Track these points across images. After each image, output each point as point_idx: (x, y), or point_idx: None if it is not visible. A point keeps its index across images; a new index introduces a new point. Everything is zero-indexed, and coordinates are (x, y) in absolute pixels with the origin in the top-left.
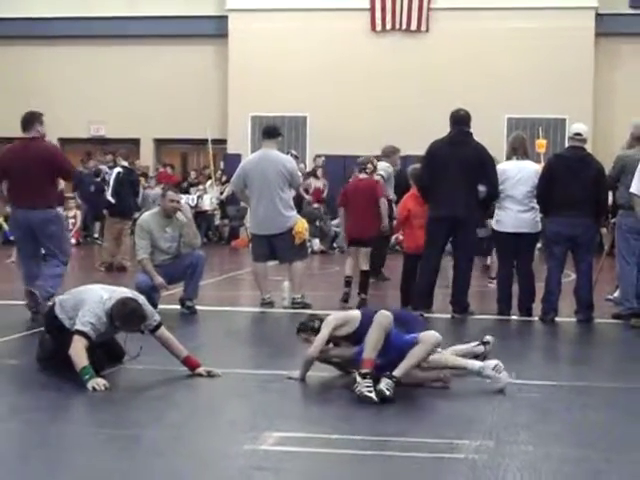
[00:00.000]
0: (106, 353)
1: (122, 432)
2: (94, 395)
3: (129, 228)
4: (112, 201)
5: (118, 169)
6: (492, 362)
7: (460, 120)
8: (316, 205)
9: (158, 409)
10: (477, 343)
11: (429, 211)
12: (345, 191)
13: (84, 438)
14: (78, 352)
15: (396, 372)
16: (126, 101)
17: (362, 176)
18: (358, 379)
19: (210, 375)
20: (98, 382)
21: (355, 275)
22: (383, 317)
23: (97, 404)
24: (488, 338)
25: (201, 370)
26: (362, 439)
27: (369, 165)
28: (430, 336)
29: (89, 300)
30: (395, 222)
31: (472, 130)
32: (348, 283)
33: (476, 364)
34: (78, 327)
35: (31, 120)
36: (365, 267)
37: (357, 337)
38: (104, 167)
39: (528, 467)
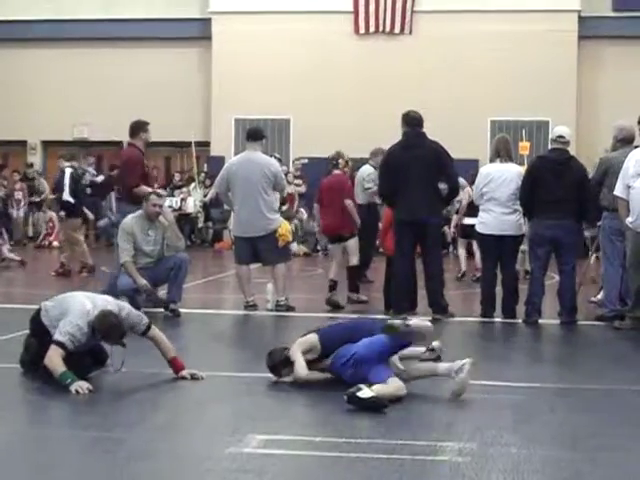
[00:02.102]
0: (91, 357)
1: (105, 435)
2: (77, 398)
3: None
4: (72, 201)
5: (70, 170)
6: (459, 362)
7: (412, 122)
8: (284, 207)
9: (141, 412)
10: (423, 351)
11: (394, 215)
12: (320, 189)
13: (67, 441)
14: (53, 360)
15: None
16: (109, 103)
17: (336, 172)
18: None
19: (193, 378)
20: (81, 385)
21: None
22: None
23: (80, 407)
24: (434, 344)
25: (185, 373)
26: (345, 442)
27: (340, 160)
28: (398, 386)
29: (72, 310)
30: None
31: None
32: (332, 287)
33: (444, 366)
34: (57, 337)
35: (136, 128)
36: (354, 262)
37: (324, 357)
38: (90, 169)
39: (511, 469)
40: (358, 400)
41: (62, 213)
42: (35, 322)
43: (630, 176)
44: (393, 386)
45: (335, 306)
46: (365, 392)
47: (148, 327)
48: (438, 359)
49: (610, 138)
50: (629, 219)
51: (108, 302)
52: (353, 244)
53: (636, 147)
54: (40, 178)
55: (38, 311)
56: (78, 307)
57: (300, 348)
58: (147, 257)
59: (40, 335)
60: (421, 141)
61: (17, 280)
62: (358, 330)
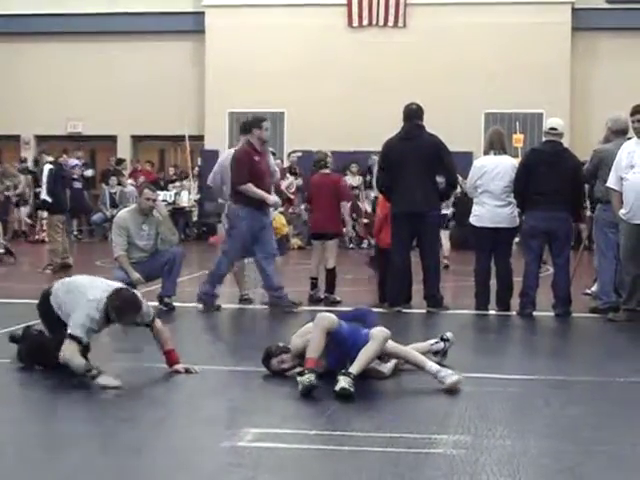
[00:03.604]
0: None
1: (100, 429)
2: (72, 393)
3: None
4: (48, 199)
5: (49, 166)
6: (449, 371)
7: (412, 114)
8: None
9: (136, 406)
10: (436, 341)
11: (391, 208)
12: (310, 186)
13: (61, 436)
14: (69, 355)
15: (352, 369)
16: (103, 98)
17: (325, 171)
18: (298, 379)
19: (187, 372)
20: (109, 381)
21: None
22: (321, 318)
23: (75, 402)
24: (448, 335)
25: (179, 367)
26: (340, 435)
27: (328, 159)
28: (379, 332)
29: (82, 303)
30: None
31: (449, 123)
32: (314, 285)
33: (433, 368)
34: (71, 331)
35: (248, 124)
36: (331, 265)
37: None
38: (74, 161)
39: (506, 461)
40: (336, 395)
41: (43, 213)
42: (43, 306)
43: (623, 168)
44: (376, 342)
45: (318, 301)
46: (339, 383)
47: (154, 318)
48: (444, 354)
49: (604, 130)
50: (622, 211)
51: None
52: (333, 245)
53: (629, 139)
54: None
55: (46, 295)
56: (88, 296)
57: (303, 334)
58: (141, 251)
59: (50, 321)
60: (419, 134)
61: (10, 275)
62: (353, 318)
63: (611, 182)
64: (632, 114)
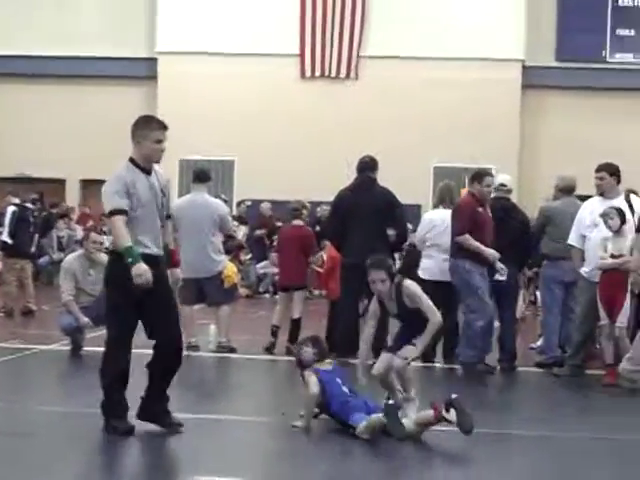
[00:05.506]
0: None
1: (48, 477)
2: (27, 442)
3: (30, 269)
4: (9, 242)
5: (13, 208)
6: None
7: (365, 167)
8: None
9: (79, 453)
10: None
11: (341, 259)
12: (279, 238)
13: None
14: (118, 232)
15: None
16: (52, 141)
17: (296, 222)
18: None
19: None
20: (144, 274)
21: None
22: None
23: (29, 454)
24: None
25: None
26: None
27: (303, 210)
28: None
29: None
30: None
31: (397, 174)
32: (274, 333)
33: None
34: (107, 208)
35: (473, 176)
36: (297, 315)
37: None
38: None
39: None
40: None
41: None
42: None
43: (586, 226)
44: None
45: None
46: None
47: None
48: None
49: (551, 187)
50: (584, 269)
51: None
52: (300, 296)
53: (591, 197)
54: None
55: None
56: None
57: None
58: (89, 296)
59: None
60: (371, 186)
61: None
62: None
63: (572, 239)
64: (596, 171)
